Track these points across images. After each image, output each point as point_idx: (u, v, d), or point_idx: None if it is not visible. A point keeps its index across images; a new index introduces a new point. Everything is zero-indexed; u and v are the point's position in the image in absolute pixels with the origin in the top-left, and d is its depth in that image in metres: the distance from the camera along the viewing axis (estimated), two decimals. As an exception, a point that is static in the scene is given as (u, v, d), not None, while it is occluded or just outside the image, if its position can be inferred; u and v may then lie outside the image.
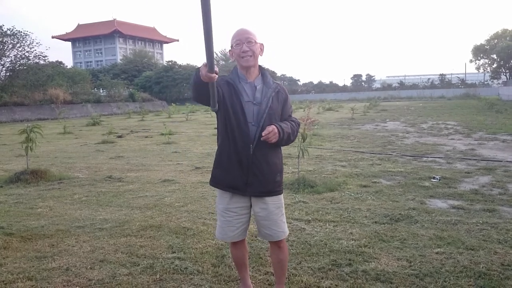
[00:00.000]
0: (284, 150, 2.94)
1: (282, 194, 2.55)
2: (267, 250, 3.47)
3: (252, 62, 2.40)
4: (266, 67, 2.58)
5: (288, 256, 2.67)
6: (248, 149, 2.36)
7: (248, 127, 2.36)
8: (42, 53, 32.23)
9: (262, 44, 2.46)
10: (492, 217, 4.25)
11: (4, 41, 30.02)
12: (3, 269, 3.26)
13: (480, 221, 4.11)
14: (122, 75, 56.87)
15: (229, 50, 2.48)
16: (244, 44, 2.37)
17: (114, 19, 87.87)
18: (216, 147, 2.53)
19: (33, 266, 3.29)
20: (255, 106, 2.39)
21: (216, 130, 2.57)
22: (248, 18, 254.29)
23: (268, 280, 2.97)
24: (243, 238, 2.62)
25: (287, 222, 4.17)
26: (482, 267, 3.06)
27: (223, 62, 69.35)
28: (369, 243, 3.61)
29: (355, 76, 76.08)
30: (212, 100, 2.27)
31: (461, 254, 3.33)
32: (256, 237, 3.67)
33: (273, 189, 2.47)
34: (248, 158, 2.37)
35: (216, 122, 2.52)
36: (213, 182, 2.54)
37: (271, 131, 2.29)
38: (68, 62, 71.38)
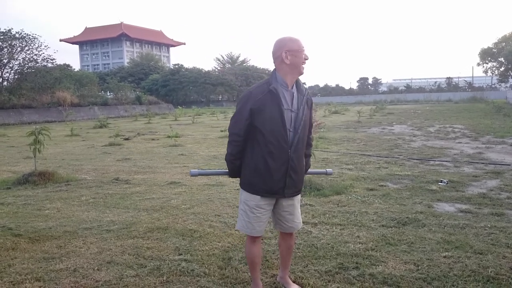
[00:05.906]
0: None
1: None
2: (273, 253, 3.48)
3: None
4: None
5: None
6: (286, 154, 2.47)
7: (287, 133, 2.45)
8: (50, 56, 32.54)
9: None
10: (501, 221, 4.21)
11: (13, 44, 30.33)
12: (12, 269, 3.28)
13: (488, 225, 4.08)
14: (129, 78, 57.21)
15: (286, 51, 2.43)
16: (305, 53, 2.46)
17: (121, 23, 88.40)
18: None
19: (41, 267, 3.32)
20: (292, 113, 2.48)
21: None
22: (255, 20, 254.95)
23: (274, 283, 2.97)
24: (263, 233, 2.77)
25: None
26: (491, 272, 3.03)
27: (229, 65, 69.54)
28: (376, 246, 3.59)
29: (361, 79, 76.07)
30: None
31: (469, 258, 3.30)
32: (263, 239, 3.67)
33: (301, 188, 2.71)
34: (287, 163, 2.48)
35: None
36: (252, 190, 2.56)
37: None
38: (76, 65, 72.13)
